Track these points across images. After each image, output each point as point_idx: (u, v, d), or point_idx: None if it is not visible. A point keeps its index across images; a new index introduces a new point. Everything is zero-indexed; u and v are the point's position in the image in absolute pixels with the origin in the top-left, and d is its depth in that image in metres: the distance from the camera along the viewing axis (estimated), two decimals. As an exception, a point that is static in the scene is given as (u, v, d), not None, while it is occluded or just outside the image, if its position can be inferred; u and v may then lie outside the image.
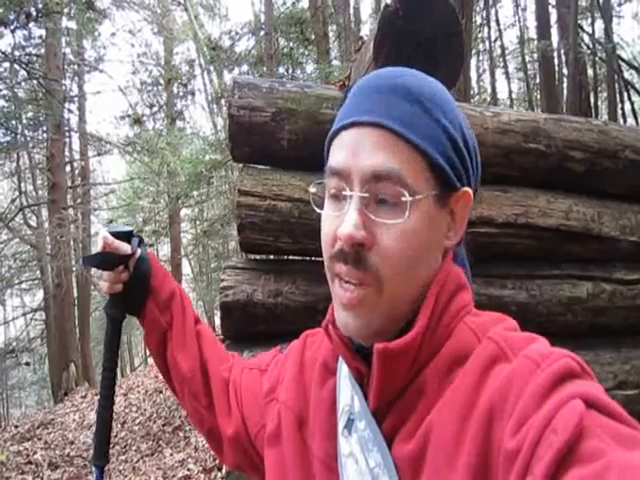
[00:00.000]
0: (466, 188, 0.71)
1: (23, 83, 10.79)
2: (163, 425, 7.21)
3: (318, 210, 0.73)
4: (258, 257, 2.21)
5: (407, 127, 0.66)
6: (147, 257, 1.06)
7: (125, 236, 1.04)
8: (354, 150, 0.67)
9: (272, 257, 2.22)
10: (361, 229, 0.64)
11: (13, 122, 10.32)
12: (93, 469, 1.02)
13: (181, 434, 6.56)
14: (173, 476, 5.29)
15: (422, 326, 0.65)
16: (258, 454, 0.91)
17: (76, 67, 13.93)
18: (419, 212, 0.66)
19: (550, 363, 0.55)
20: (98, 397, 1.07)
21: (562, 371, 0.54)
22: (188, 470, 5.31)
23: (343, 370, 0.77)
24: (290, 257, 2.12)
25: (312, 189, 0.75)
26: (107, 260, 1.01)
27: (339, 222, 0.66)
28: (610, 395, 0.52)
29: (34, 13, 7.16)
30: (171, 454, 6.01)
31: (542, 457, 0.47)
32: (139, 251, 1.05)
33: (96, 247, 1.02)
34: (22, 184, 14.10)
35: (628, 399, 2.00)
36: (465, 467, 0.55)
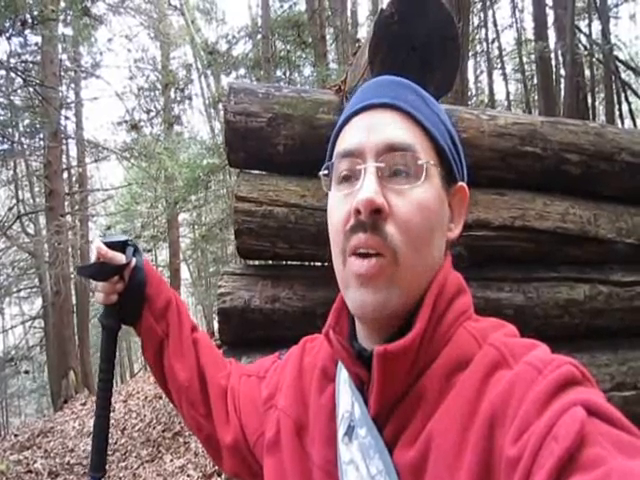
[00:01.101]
0: (462, 183, 0.75)
1: (19, 90, 10.77)
2: (163, 431, 7.18)
3: (326, 188, 0.75)
4: (257, 263, 2.21)
5: (417, 110, 0.72)
6: (142, 266, 1.05)
7: (120, 245, 1.04)
8: (368, 129, 0.70)
9: (270, 263, 2.22)
10: (380, 195, 0.65)
11: (10, 130, 10.31)
12: None
13: (181, 440, 6.54)
14: (173, 482, 5.28)
15: (421, 327, 0.65)
16: (257, 461, 0.90)
17: (73, 73, 13.92)
18: (431, 182, 0.69)
19: (552, 370, 0.55)
20: (95, 408, 1.06)
21: (564, 378, 0.54)
22: (188, 476, 5.30)
23: (342, 376, 0.77)
24: (287, 262, 2.12)
25: (322, 173, 0.76)
26: (102, 271, 1.00)
27: (353, 197, 0.67)
28: (607, 397, 0.52)
29: (30, 20, 7.15)
30: (171, 460, 6.00)
31: (543, 465, 0.47)
32: (134, 260, 1.04)
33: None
34: (19, 192, 14.06)
35: (625, 400, 2.00)
36: (467, 474, 0.55)
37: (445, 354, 0.66)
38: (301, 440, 0.79)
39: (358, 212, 0.66)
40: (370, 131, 0.70)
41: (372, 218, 0.65)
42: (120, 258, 1.01)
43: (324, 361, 0.82)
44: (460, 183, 0.76)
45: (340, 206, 0.70)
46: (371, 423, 0.68)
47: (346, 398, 0.74)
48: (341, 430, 0.72)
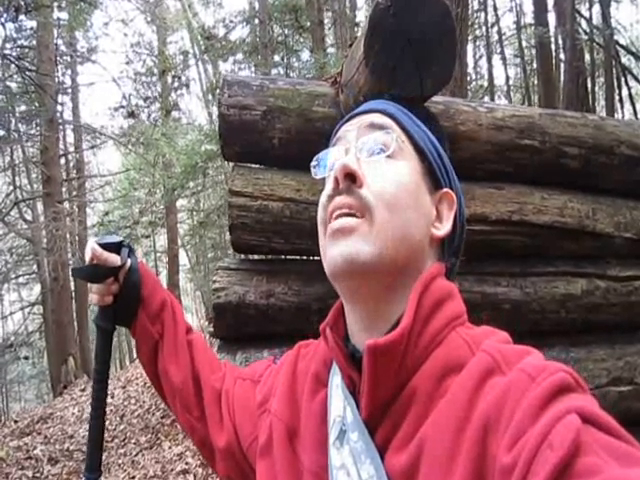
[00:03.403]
0: (448, 189, 0.78)
1: (15, 76, 10.67)
2: (162, 417, 7.22)
3: (316, 176, 0.81)
4: (257, 257, 2.20)
5: (400, 116, 0.78)
6: (137, 267, 1.05)
7: (115, 247, 1.03)
8: (354, 125, 0.79)
9: (265, 257, 2.20)
10: (355, 163, 0.71)
11: (6, 116, 10.23)
12: None
13: (179, 427, 6.57)
14: (172, 470, 5.31)
15: (408, 322, 0.65)
16: (250, 465, 0.90)
17: (69, 58, 13.79)
18: (405, 160, 0.75)
19: (545, 377, 0.54)
20: (90, 409, 1.05)
21: (557, 385, 0.53)
22: (186, 464, 5.33)
23: (335, 381, 0.77)
24: (282, 257, 2.11)
25: (313, 164, 0.83)
26: (96, 272, 1.00)
27: None
28: (604, 391, 0.51)
29: (24, 6, 7.04)
30: (170, 447, 6.03)
31: (538, 473, 0.47)
32: (129, 262, 1.04)
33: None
34: (17, 178, 14.05)
35: (621, 395, 2.00)
36: None
37: (435, 356, 0.66)
38: (293, 445, 0.78)
39: (337, 182, 0.71)
40: (355, 125, 0.78)
41: (347, 183, 0.70)
42: (115, 259, 1.01)
43: (317, 366, 0.82)
44: (446, 189, 0.78)
45: (326, 187, 0.75)
46: (363, 427, 0.68)
47: (338, 403, 0.74)
48: (332, 435, 0.72)
